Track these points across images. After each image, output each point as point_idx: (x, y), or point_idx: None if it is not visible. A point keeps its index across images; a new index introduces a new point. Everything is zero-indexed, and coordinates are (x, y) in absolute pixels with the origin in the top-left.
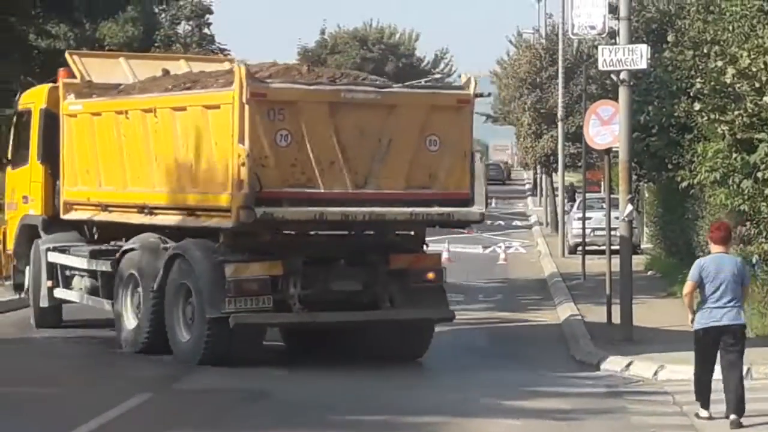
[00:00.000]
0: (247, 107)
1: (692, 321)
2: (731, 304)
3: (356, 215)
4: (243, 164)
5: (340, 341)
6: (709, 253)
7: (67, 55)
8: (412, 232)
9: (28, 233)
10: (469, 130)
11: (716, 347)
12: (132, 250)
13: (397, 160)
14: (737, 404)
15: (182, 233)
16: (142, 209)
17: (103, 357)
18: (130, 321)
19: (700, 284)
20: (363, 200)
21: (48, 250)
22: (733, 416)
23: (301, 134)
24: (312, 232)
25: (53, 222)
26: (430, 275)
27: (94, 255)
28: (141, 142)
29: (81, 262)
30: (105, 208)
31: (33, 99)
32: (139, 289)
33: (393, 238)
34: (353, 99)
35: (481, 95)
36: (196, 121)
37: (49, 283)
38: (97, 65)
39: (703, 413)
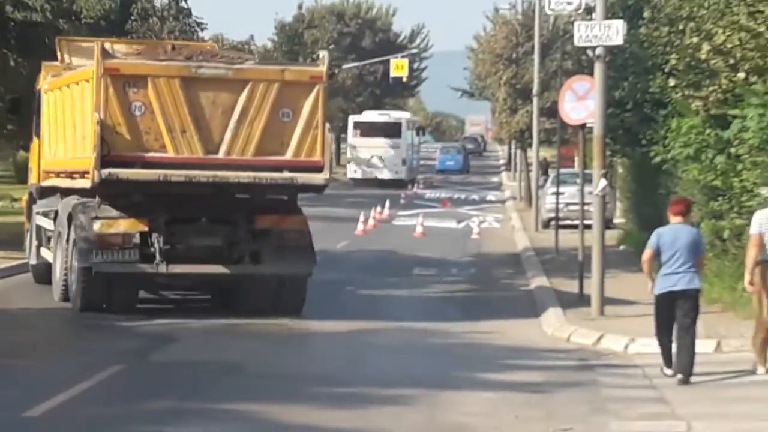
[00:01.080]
0: (102, 81)
1: (652, 288)
2: (686, 269)
3: (199, 177)
4: (95, 131)
5: (224, 297)
6: None
7: (56, 42)
8: (285, 197)
9: (30, 200)
10: (322, 104)
11: (673, 311)
12: (58, 211)
13: (249, 130)
14: (686, 366)
15: (89, 194)
16: (68, 174)
17: (77, 329)
18: (55, 271)
19: (657, 252)
20: (212, 165)
21: (37, 213)
22: (680, 376)
23: (155, 105)
24: (180, 193)
25: (45, 189)
26: (294, 237)
27: (53, 217)
28: (60, 115)
29: (50, 224)
30: (57, 174)
31: (39, 80)
32: (61, 244)
33: (263, 201)
34: (203, 74)
35: (333, 73)
36: (80, 95)
37: (36, 243)
38: (82, 50)
39: (668, 371)
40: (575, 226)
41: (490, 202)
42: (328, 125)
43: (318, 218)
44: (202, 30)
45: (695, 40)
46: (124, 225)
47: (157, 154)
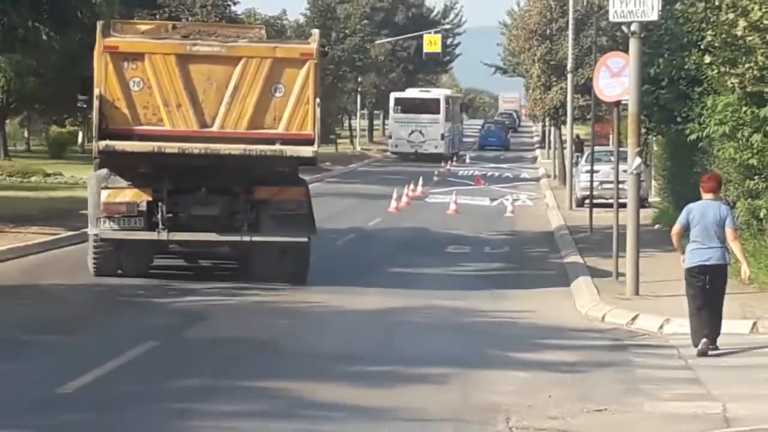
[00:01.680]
0: (102, 57)
1: (683, 260)
2: (716, 245)
3: (192, 149)
4: (96, 105)
5: (231, 265)
6: None
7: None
8: (286, 169)
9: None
10: (313, 80)
11: (704, 283)
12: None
13: (242, 104)
14: (713, 332)
15: None
16: None
17: (108, 306)
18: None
19: (686, 227)
20: (206, 138)
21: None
22: (704, 339)
23: (152, 81)
24: (183, 165)
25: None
26: (292, 206)
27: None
28: None
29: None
30: None
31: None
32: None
33: (262, 173)
34: (198, 51)
35: (326, 51)
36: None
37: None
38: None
39: (702, 347)
40: (610, 205)
41: (524, 179)
42: (318, 100)
43: (351, 195)
44: (234, 4)
45: (731, 16)
46: (129, 194)
47: (153, 128)
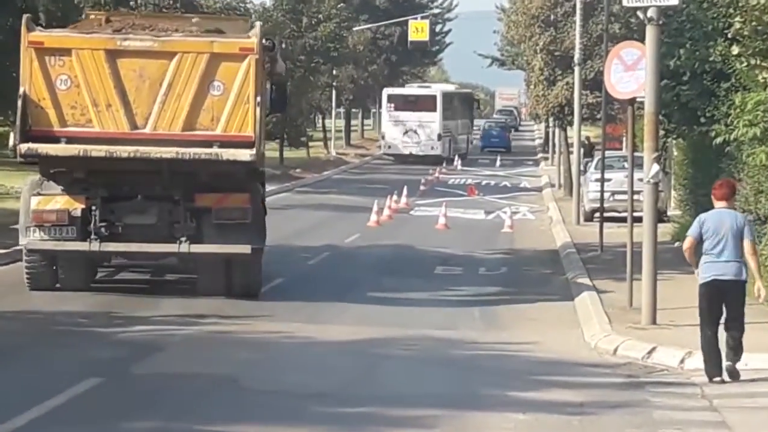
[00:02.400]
0: (27, 53)
1: (698, 274)
2: (733, 258)
3: (120, 152)
4: (18, 105)
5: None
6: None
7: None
8: (234, 174)
9: None
10: (254, 77)
11: (720, 301)
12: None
13: (176, 104)
14: (735, 355)
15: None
16: None
17: (45, 336)
18: None
19: (699, 240)
20: (138, 140)
21: None
22: (728, 363)
23: (80, 79)
24: (120, 170)
25: None
26: (235, 214)
27: None
28: None
29: None
30: None
31: None
32: None
33: (204, 178)
34: (129, 46)
35: (272, 45)
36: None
37: None
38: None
39: (717, 379)
40: (623, 219)
41: (525, 189)
42: (258, 99)
43: (325, 207)
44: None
45: (763, 0)
46: (61, 201)
47: (81, 129)
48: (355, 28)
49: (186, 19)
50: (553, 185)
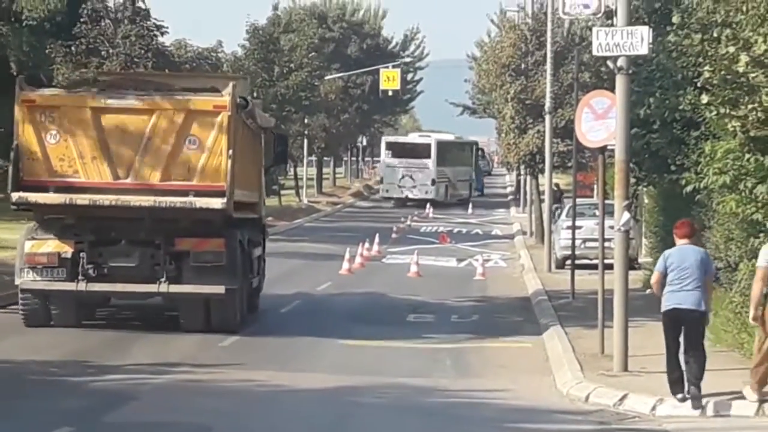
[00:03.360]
0: (20, 110)
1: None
2: (693, 288)
3: (103, 201)
4: (11, 157)
5: (164, 318)
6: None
7: None
8: (210, 221)
9: None
10: (227, 132)
11: (679, 327)
12: None
13: (156, 156)
14: (698, 376)
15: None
16: None
17: (16, 385)
18: None
19: (664, 274)
20: (120, 189)
21: None
22: (692, 389)
23: (68, 133)
24: (106, 216)
25: None
26: (209, 257)
27: None
28: None
29: None
30: None
31: None
32: None
33: (184, 224)
34: (112, 105)
35: (245, 104)
36: None
37: None
38: None
39: (679, 396)
40: (594, 266)
41: (496, 237)
42: (230, 152)
43: (297, 255)
44: (162, 35)
45: (732, 49)
46: (52, 245)
47: (69, 179)
48: (326, 77)
49: (177, 78)
50: (524, 233)
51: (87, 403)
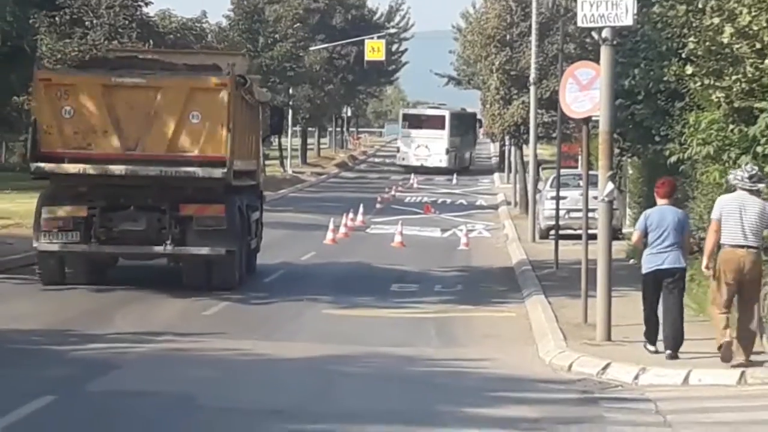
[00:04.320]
0: (37, 88)
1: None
2: (672, 248)
3: (113, 170)
4: (31, 130)
5: (166, 276)
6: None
7: None
8: (211, 188)
9: None
10: (228, 107)
11: (659, 288)
12: None
13: (162, 130)
14: (674, 341)
15: None
16: None
17: (0, 355)
18: None
19: (645, 233)
20: (129, 160)
21: None
22: (668, 351)
23: (81, 109)
24: (116, 184)
25: None
26: (210, 222)
27: None
28: None
29: None
30: None
31: None
32: None
33: (188, 192)
34: (123, 82)
35: (244, 81)
36: None
37: None
38: None
39: (651, 348)
40: (578, 237)
41: (480, 207)
42: (231, 125)
43: (281, 225)
44: (146, 5)
45: (716, 20)
46: (66, 211)
47: (82, 151)
48: (311, 48)
49: (181, 55)
50: (509, 203)
51: (69, 371)
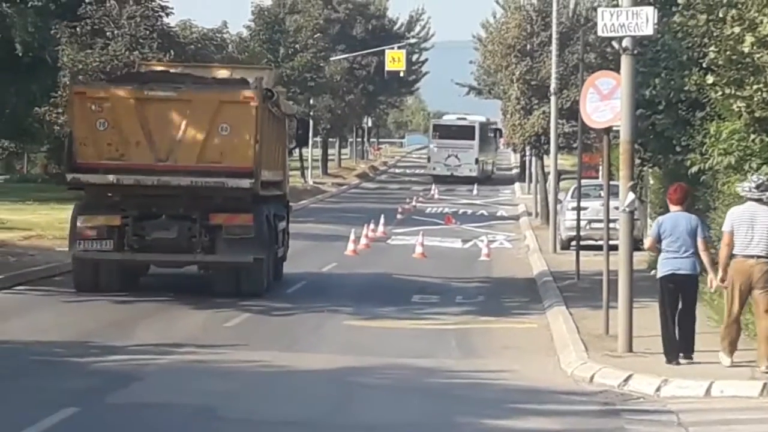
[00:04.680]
0: (72, 101)
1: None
2: (686, 254)
3: (146, 181)
4: (65, 143)
5: (197, 283)
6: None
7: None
8: (239, 198)
9: None
10: (256, 120)
11: (676, 293)
12: None
13: (192, 141)
14: (688, 345)
15: None
16: None
17: (20, 366)
18: None
19: (658, 239)
20: (161, 171)
21: None
22: (681, 354)
23: (115, 121)
24: (149, 194)
25: None
26: (239, 230)
27: None
28: None
29: None
30: None
31: None
32: None
33: (217, 201)
34: (155, 96)
35: (271, 94)
36: None
37: None
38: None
39: (673, 362)
40: (599, 247)
41: (501, 218)
42: (258, 137)
43: (302, 236)
44: (167, 15)
45: (737, 30)
46: (101, 220)
47: (116, 162)
48: (332, 58)
49: (210, 68)
50: (529, 214)
51: (91, 383)
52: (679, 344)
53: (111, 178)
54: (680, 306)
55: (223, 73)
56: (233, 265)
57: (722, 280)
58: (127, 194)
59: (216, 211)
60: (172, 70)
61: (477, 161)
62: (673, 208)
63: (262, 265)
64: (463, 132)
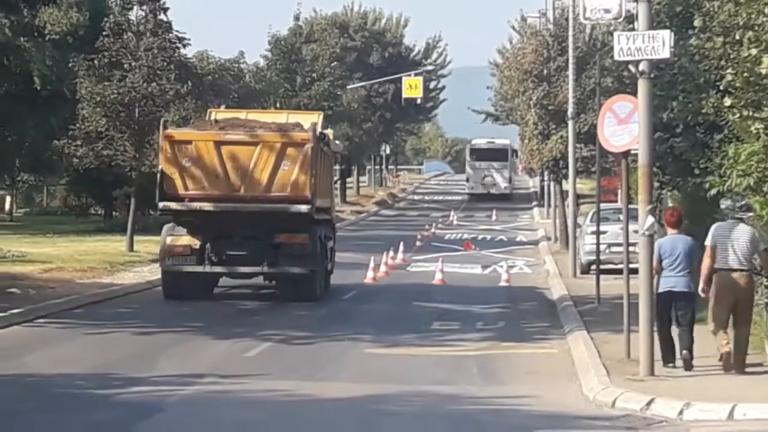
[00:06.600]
0: (163, 143)
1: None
2: (682, 273)
3: (223, 208)
4: (157, 177)
5: (215, 313)
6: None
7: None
8: (298, 221)
9: None
10: (311, 157)
11: (671, 306)
12: None
13: (260, 175)
14: (688, 345)
15: None
16: None
17: (42, 399)
18: None
19: (660, 260)
20: (235, 199)
21: None
22: (684, 352)
23: (197, 159)
24: (225, 219)
25: None
26: (298, 248)
27: None
28: None
29: None
30: None
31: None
32: None
33: (280, 224)
34: (229, 138)
35: (322, 136)
36: None
37: None
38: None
39: (670, 364)
40: (619, 271)
41: (521, 243)
42: (313, 171)
43: None
44: (184, 47)
45: (754, 52)
46: (185, 240)
47: (198, 192)
48: (349, 87)
49: (272, 114)
50: (549, 238)
51: (113, 415)
52: (680, 346)
53: (194, 205)
54: (678, 319)
55: (278, 117)
56: (293, 275)
57: (703, 291)
58: (206, 219)
59: (279, 231)
60: (240, 116)
61: (510, 180)
62: (670, 231)
63: (316, 276)
64: (497, 154)
